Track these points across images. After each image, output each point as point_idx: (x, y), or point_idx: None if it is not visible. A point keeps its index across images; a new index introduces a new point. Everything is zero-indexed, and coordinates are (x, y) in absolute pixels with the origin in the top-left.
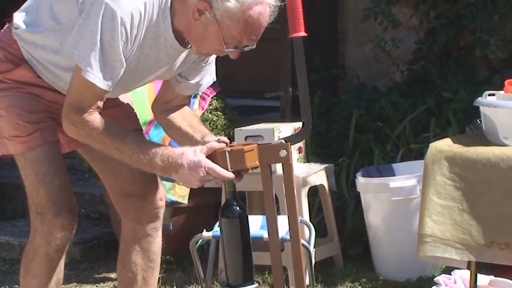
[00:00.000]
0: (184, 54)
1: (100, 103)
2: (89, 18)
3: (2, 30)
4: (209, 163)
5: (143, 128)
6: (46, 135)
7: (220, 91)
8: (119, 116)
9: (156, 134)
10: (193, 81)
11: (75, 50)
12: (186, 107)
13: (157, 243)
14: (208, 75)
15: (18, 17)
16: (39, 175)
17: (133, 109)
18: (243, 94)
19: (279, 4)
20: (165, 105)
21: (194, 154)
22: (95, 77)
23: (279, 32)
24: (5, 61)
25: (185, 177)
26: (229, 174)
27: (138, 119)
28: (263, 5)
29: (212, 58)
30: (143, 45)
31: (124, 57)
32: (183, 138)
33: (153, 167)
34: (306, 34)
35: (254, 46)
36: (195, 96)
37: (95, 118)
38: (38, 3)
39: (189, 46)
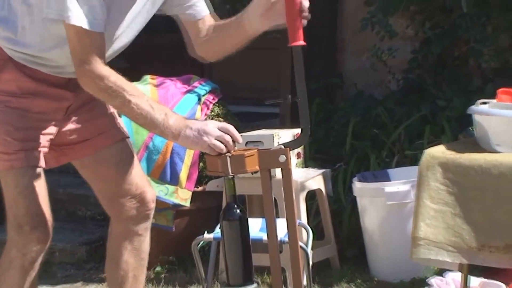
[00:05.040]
0: None
1: (103, 50)
2: None
3: None
4: (219, 123)
5: (147, 133)
6: (30, 157)
7: (222, 98)
8: (106, 126)
9: (160, 140)
10: (187, 3)
11: (49, 10)
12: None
13: (147, 242)
14: None
15: None
16: (19, 187)
17: (119, 120)
18: (244, 101)
19: None
20: (199, 40)
21: (203, 122)
22: (78, 18)
23: (279, 41)
24: None
25: (194, 138)
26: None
27: (124, 128)
28: None
29: None
30: None
31: None
32: (230, 30)
33: (165, 127)
34: (305, 44)
35: None
36: (198, 103)
37: (111, 72)
38: None
39: None
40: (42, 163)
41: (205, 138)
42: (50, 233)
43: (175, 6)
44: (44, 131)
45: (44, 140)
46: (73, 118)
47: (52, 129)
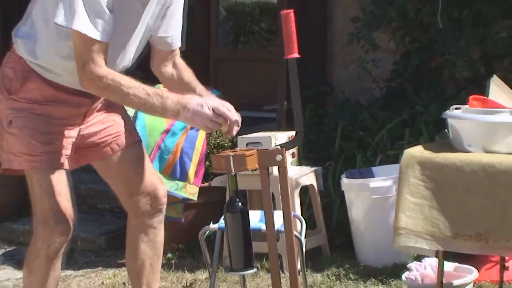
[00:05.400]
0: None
1: (104, 56)
2: None
3: (8, 53)
4: (214, 104)
5: (159, 136)
6: (53, 159)
7: None
8: (121, 130)
9: (171, 141)
10: (167, 34)
11: (59, 17)
12: (184, 70)
13: (161, 234)
14: (174, 28)
15: (15, 32)
16: (43, 186)
17: (133, 123)
18: (245, 107)
19: None
20: (159, 65)
21: (200, 100)
22: (85, 26)
23: (276, 54)
24: (15, 79)
25: (191, 118)
26: (234, 116)
27: (137, 131)
28: None
29: (173, 12)
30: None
31: (109, 10)
32: (184, 88)
33: (164, 110)
34: (299, 56)
35: None
36: None
37: (108, 71)
38: (31, 12)
39: None
40: (65, 165)
41: (200, 120)
42: (71, 227)
43: (157, 33)
44: (66, 135)
45: (67, 143)
46: (91, 123)
47: (73, 133)
